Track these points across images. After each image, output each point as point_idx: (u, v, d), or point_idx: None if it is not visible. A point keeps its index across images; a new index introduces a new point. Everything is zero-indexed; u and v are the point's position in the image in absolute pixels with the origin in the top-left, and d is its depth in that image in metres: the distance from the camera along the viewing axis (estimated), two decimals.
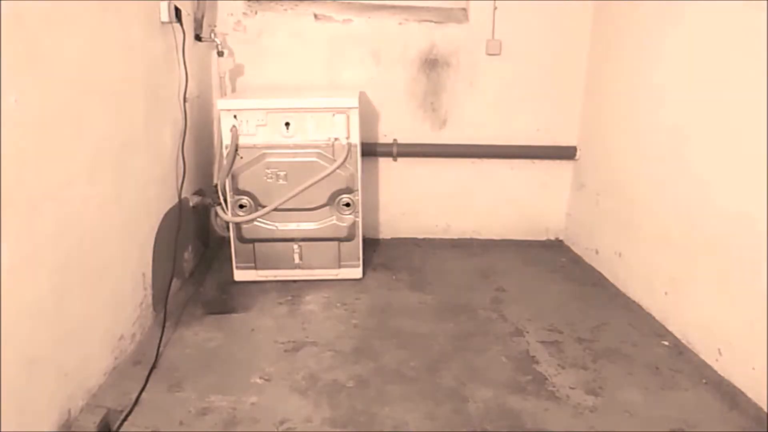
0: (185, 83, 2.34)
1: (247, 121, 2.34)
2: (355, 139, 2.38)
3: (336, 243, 2.52)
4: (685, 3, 2.10)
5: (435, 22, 2.85)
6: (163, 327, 2.03)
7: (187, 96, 2.35)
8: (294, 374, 1.87)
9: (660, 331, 2.19)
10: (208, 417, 1.65)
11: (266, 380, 1.84)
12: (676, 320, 2.17)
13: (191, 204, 2.50)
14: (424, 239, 3.11)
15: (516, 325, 2.23)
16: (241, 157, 2.38)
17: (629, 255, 2.52)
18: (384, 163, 3.02)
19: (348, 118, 2.34)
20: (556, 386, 1.83)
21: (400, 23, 2.84)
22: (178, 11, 2.20)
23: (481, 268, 2.79)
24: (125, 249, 1.89)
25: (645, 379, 1.89)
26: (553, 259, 2.96)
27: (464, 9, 2.93)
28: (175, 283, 2.32)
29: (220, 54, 2.72)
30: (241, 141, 2.36)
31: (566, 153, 3.04)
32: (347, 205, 2.48)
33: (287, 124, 2.35)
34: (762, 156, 1.71)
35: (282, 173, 2.39)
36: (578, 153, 3.02)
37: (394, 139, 2.97)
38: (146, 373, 1.82)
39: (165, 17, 2.14)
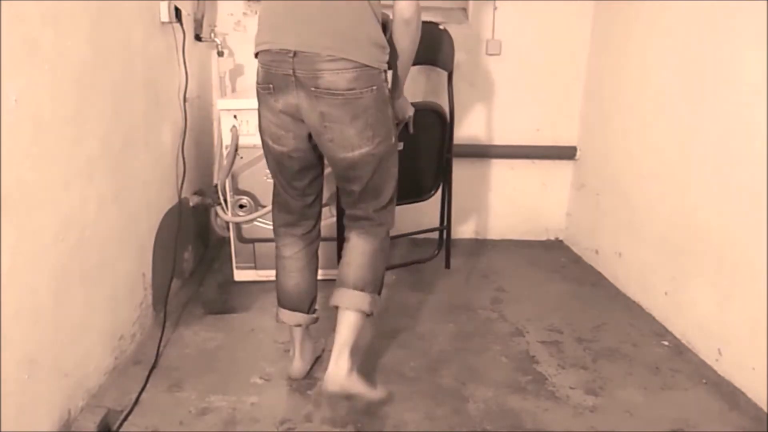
0: (185, 83, 2.34)
1: (247, 121, 2.34)
2: None
3: (336, 243, 2.51)
4: (685, 3, 2.10)
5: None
6: (163, 327, 2.03)
7: (187, 96, 2.35)
8: None
9: (660, 331, 2.19)
10: (208, 417, 1.65)
11: (266, 380, 1.84)
12: (676, 320, 2.17)
13: (191, 204, 2.50)
14: (424, 239, 3.11)
15: (516, 325, 2.23)
16: (241, 157, 2.38)
17: (629, 255, 2.52)
18: None
19: None
20: (556, 386, 1.84)
21: None
22: (178, 11, 2.20)
23: (481, 268, 2.79)
24: (125, 249, 1.89)
25: (645, 379, 1.89)
26: (553, 259, 2.96)
27: (464, 9, 2.94)
28: (175, 283, 2.32)
29: (220, 54, 2.72)
30: (241, 141, 2.36)
31: (566, 153, 3.04)
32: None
33: None
34: (762, 156, 1.71)
35: None
36: (578, 153, 3.02)
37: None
38: (146, 373, 1.82)
39: (165, 17, 2.14)
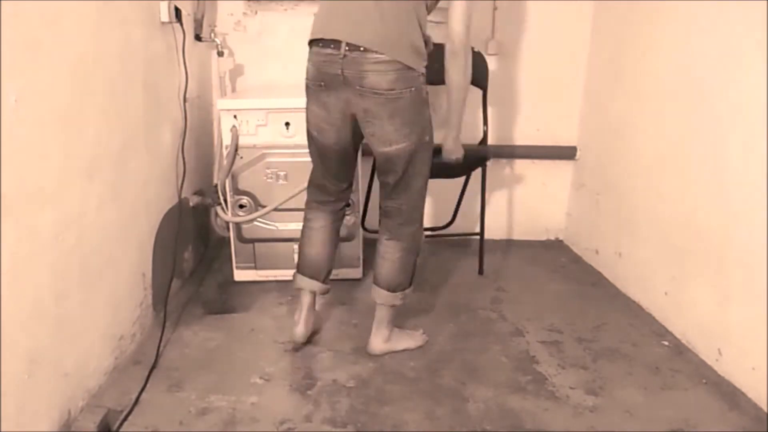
0: (185, 83, 2.34)
1: (247, 121, 2.34)
2: None
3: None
4: (685, 3, 2.10)
5: (435, 22, 2.84)
6: (163, 327, 2.03)
7: (187, 96, 2.35)
8: (294, 374, 1.88)
9: (660, 331, 2.19)
10: (208, 417, 1.65)
11: (266, 380, 1.84)
12: (676, 320, 2.17)
13: (191, 204, 2.50)
14: (424, 239, 3.11)
15: (516, 325, 2.23)
16: (241, 157, 2.38)
17: (629, 255, 2.52)
18: None
19: None
20: (556, 386, 1.83)
21: None
22: (178, 11, 2.20)
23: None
24: (125, 249, 1.89)
25: (645, 379, 1.89)
26: (553, 259, 2.96)
27: None
28: (175, 283, 2.32)
29: (220, 54, 2.72)
30: (241, 141, 2.36)
31: (566, 153, 3.04)
32: (347, 205, 2.47)
33: (287, 124, 2.35)
34: (762, 156, 1.71)
35: (282, 173, 2.39)
36: (578, 153, 3.02)
37: None
38: (146, 373, 1.82)
39: (165, 17, 2.14)
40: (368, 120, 1.70)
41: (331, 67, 1.66)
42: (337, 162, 1.87)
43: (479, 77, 2.54)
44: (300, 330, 1.99)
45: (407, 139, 1.71)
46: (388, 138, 1.71)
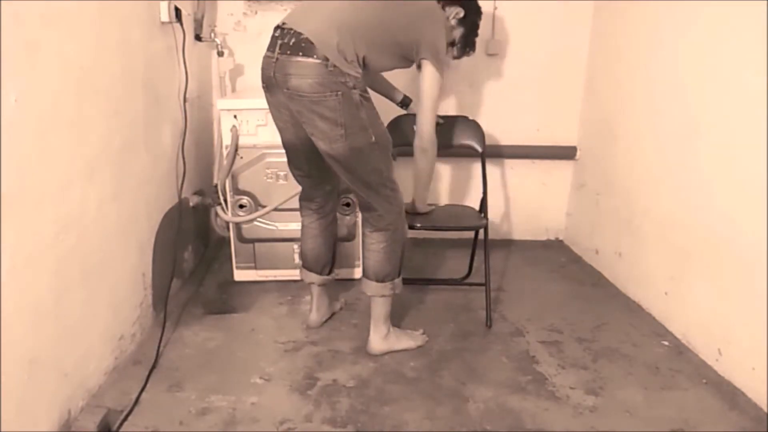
0: (185, 83, 2.34)
1: (247, 121, 2.34)
2: None
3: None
4: (685, 3, 2.10)
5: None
6: (163, 327, 2.03)
7: (187, 96, 2.35)
8: (294, 374, 1.88)
9: (660, 331, 2.19)
10: (208, 417, 1.65)
11: (266, 380, 1.84)
12: (676, 320, 2.17)
13: (191, 204, 2.50)
14: (424, 239, 3.11)
15: (516, 325, 2.23)
16: (241, 157, 2.38)
17: (629, 255, 2.52)
18: None
19: None
20: (556, 386, 1.84)
21: None
22: (178, 11, 2.20)
23: (482, 268, 2.78)
24: (125, 249, 1.89)
25: (645, 379, 1.89)
26: (553, 259, 2.96)
27: None
28: (175, 283, 2.32)
29: (220, 54, 2.72)
30: (242, 141, 2.36)
31: (566, 153, 3.04)
32: (347, 205, 2.47)
33: None
34: (762, 156, 1.71)
35: (282, 173, 2.39)
36: (578, 153, 3.02)
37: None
38: (146, 373, 1.82)
39: (165, 17, 2.14)
40: (303, 121, 1.73)
41: (268, 70, 1.73)
42: (304, 159, 1.92)
43: (477, 141, 2.50)
44: (313, 317, 2.16)
45: (344, 140, 1.71)
46: (326, 137, 1.71)
